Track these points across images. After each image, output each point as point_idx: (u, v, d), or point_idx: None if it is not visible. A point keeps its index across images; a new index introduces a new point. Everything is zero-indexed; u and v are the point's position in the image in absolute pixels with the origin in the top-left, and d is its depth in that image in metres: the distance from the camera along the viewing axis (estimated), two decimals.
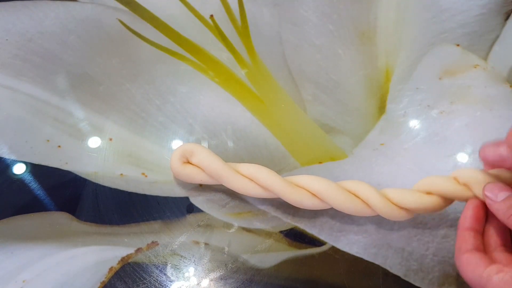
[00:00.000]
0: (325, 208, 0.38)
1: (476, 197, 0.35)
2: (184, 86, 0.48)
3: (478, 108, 0.46)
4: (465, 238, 0.34)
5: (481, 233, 0.34)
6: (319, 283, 0.37)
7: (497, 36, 0.51)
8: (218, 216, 0.40)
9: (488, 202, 0.33)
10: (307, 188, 0.38)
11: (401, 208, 0.37)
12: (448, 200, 0.37)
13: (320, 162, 0.43)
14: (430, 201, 0.37)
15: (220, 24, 0.50)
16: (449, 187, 0.36)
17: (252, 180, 0.39)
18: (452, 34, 0.52)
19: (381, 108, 0.47)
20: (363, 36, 0.52)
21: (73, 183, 0.42)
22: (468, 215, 0.35)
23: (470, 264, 0.32)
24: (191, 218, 0.40)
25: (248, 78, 0.48)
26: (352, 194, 0.38)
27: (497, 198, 0.32)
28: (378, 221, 0.39)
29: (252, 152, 0.44)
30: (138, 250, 0.38)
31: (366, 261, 0.38)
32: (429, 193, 0.37)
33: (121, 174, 0.43)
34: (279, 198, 0.39)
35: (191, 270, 0.38)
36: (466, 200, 0.36)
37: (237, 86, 0.48)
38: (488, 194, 0.33)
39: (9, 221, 0.40)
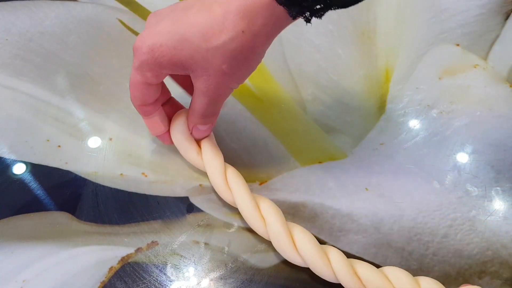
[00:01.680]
0: (302, 265, 0.37)
1: None
2: None
3: (478, 108, 0.46)
4: None
5: None
6: (319, 283, 0.37)
7: (497, 36, 0.51)
8: (218, 216, 0.40)
9: None
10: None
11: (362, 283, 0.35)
12: None
13: (320, 162, 0.44)
14: None
15: None
16: None
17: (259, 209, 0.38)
18: (452, 34, 0.52)
19: (381, 108, 0.47)
20: (363, 36, 0.52)
21: (73, 183, 0.42)
22: None
23: None
24: (191, 218, 0.40)
25: (248, 78, 0.48)
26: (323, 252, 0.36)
27: None
28: (378, 221, 0.40)
29: (252, 152, 0.44)
30: (138, 250, 0.38)
31: (366, 261, 0.38)
32: None
33: (121, 174, 0.43)
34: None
35: (191, 270, 0.38)
36: None
37: None
38: None
39: (9, 221, 0.40)
